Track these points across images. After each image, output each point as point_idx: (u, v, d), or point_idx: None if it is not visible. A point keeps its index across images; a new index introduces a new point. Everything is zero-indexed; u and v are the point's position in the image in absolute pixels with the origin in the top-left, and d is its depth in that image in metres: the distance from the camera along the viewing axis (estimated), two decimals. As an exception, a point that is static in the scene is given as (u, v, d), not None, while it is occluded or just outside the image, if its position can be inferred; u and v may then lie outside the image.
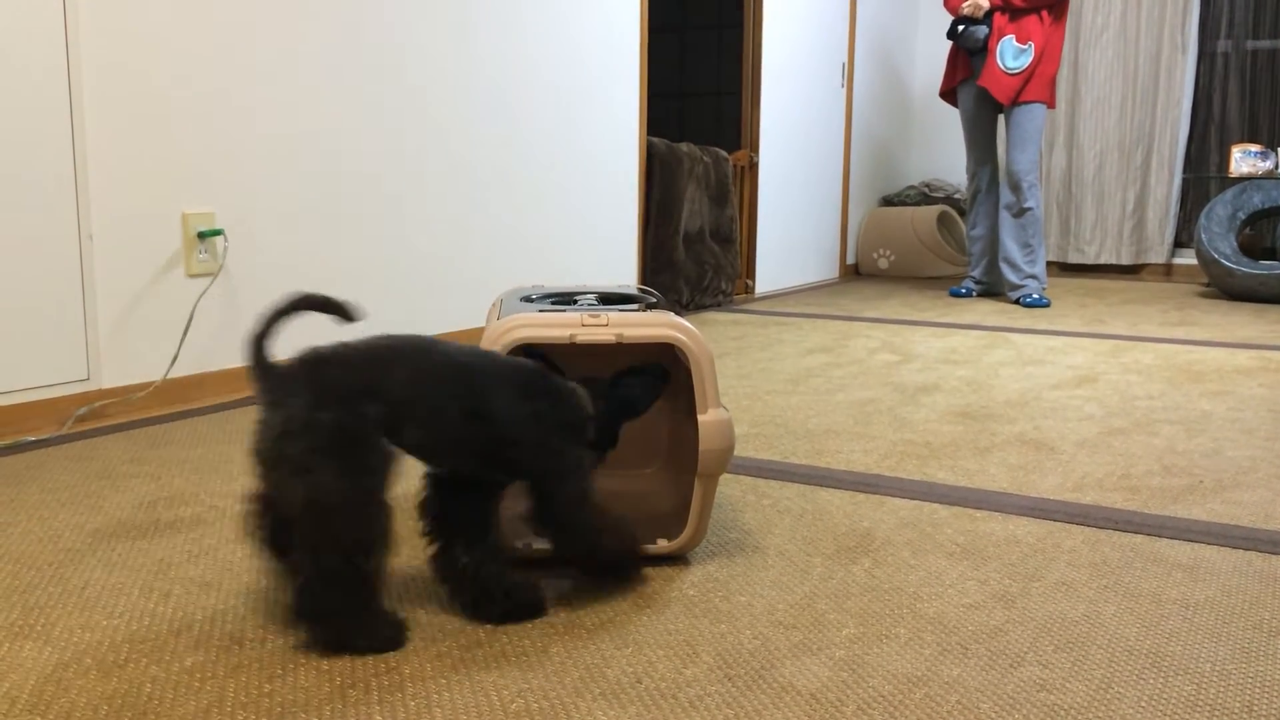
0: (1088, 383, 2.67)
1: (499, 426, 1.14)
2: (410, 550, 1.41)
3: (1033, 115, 4.39)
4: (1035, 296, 4.44)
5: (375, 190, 2.80)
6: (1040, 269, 4.52)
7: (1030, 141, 4.40)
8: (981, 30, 4.42)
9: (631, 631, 1.16)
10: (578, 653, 1.11)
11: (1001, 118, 4.68)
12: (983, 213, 4.73)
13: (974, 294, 4.81)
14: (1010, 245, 4.54)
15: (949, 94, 4.73)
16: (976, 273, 4.81)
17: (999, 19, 4.42)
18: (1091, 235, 5.87)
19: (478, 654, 1.10)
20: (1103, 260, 5.85)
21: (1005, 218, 4.54)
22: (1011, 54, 4.37)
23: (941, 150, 6.40)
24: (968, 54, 4.55)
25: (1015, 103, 4.38)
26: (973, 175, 4.71)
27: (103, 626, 1.17)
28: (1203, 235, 4.85)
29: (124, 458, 1.87)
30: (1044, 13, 4.39)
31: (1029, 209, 4.47)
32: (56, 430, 2.07)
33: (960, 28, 4.51)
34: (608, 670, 1.07)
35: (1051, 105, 4.44)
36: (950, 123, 6.34)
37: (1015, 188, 4.46)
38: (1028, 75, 4.35)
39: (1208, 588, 1.31)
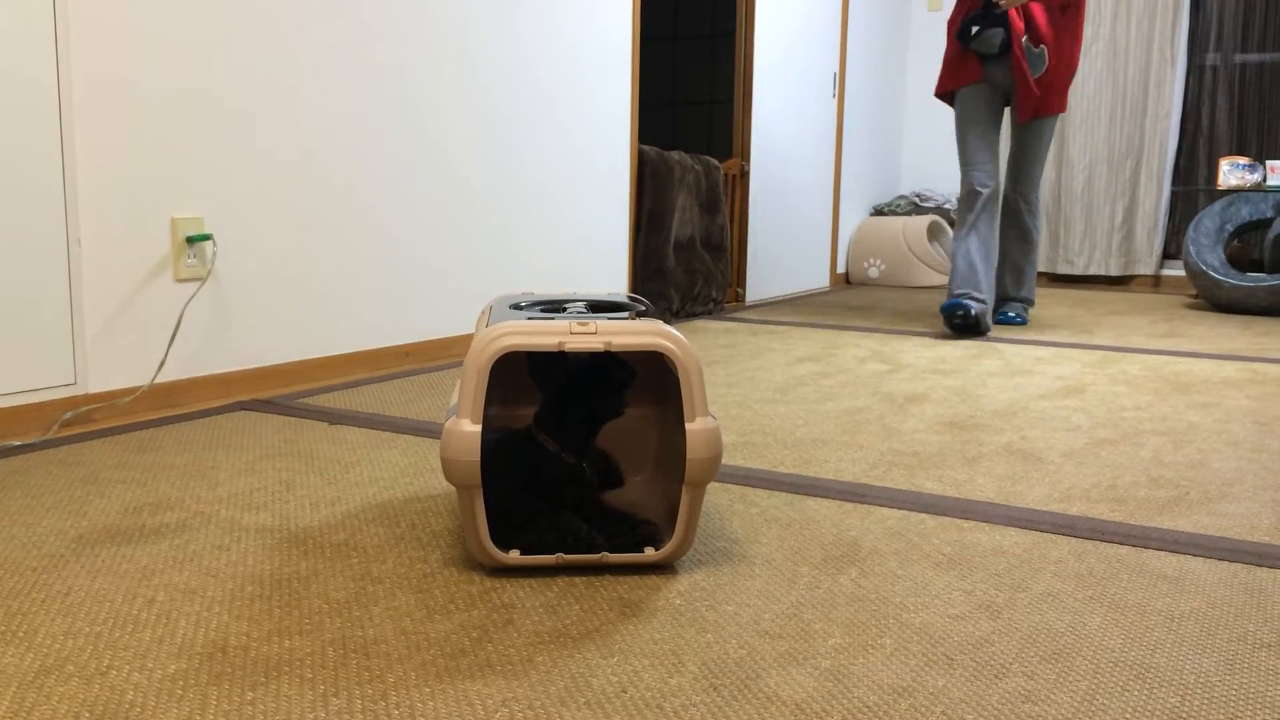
0: (1075, 393, 2.68)
1: None
2: (396, 558, 1.40)
3: (1045, 131, 4.00)
4: (1011, 314, 4.15)
5: (365, 196, 2.79)
6: (1029, 290, 4.22)
7: (1043, 158, 4.05)
8: (998, 34, 3.91)
9: (617, 641, 1.16)
10: (563, 662, 1.11)
11: (1007, 127, 4.33)
12: (978, 230, 3.99)
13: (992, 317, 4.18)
14: (1005, 269, 4.20)
15: (947, 95, 4.15)
16: (979, 293, 4.07)
17: (1015, 20, 3.86)
18: (1080, 247, 5.89)
19: (462, 663, 1.10)
20: (1091, 271, 5.88)
21: (1007, 239, 4.15)
22: (1033, 62, 3.90)
23: (933, 161, 6.42)
24: (979, 59, 3.99)
25: (1036, 116, 3.95)
26: (969, 189, 3.99)
27: (85, 633, 1.16)
28: (1191, 247, 4.87)
29: (110, 463, 1.86)
30: (1054, 7, 3.88)
31: (1030, 230, 4.11)
32: (42, 435, 2.06)
33: (974, 29, 3.97)
34: (593, 680, 1.07)
35: (1063, 110, 4.02)
36: (942, 133, 6.37)
37: (1017, 210, 4.08)
38: (1047, 84, 3.91)
39: (1193, 599, 1.31)
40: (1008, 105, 4.03)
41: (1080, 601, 1.30)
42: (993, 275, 3.95)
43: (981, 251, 3.99)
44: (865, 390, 2.67)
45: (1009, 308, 4.21)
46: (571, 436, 1.41)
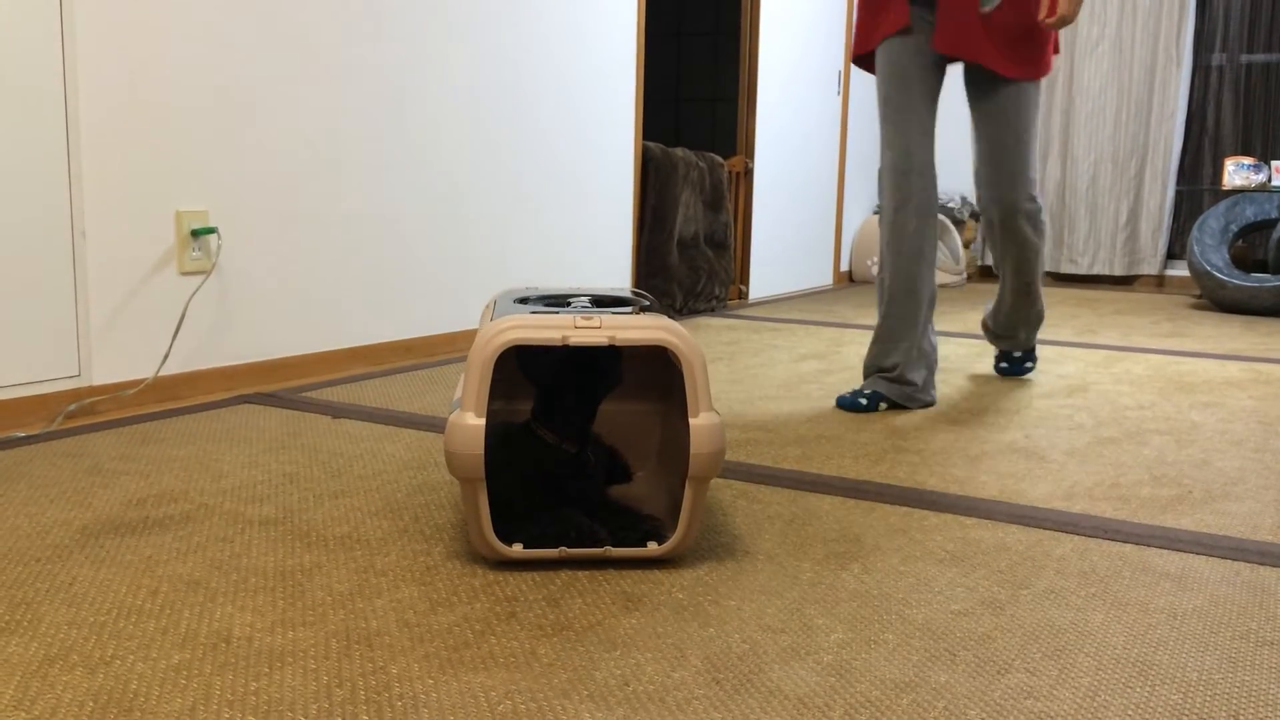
0: (1079, 392, 2.68)
1: None
2: (399, 551, 1.40)
3: (1015, 101, 2.42)
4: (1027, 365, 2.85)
5: (370, 191, 2.80)
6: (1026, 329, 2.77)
7: (1029, 140, 2.44)
8: None
9: (620, 634, 1.16)
10: (566, 655, 1.11)
11: (966, 98, 2.51)
12: (910, 248, 2.41)
13: (878, 406, 2.43)
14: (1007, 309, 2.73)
15: (866, 59, 2.55)
16: (893, 362, 2.45)
17: None
18: (1084, 246, 5.89)
19: (465, 655, 1.10)
20: (1095, 271, 5.87)
21: (1007, 270, 2.61)
22: None
23: (937, 159, 6.42)
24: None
25: (1008, 78, 2.40)
26: (895, 182, 2.40)
27: (89, 623, 1.16)
28: (1195, 247, 4.87)
29: (113, 454, 1.87)
30: None
31: (1033, 250, 2.55)
32: (46, 426, 2.06)
33: None
34: (595, 673, 1.07)
35: (1041, 74, 2.43)
36: (946, 130, 6.36)
37: (1011, 224, 2.49)
38: (1008, 27, 2.36)
39: (1195, 597, 1.31)
40: (957, 62, 2.48)
41: (1083, 599, 1.30)
42: (926, 313, 2.45)
43: (906, 284, 2.42)
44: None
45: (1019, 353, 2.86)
46: (569, 426, 1.42)
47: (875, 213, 6.05)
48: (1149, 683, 1.08)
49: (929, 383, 2.45)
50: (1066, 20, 2.25)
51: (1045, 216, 2.68)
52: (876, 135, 6.05)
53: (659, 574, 1.34)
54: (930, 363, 2.45)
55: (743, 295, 4.76)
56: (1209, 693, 1.06)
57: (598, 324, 1.31)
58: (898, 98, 2.42)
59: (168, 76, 2.28)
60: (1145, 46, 5.66)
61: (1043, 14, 2.29)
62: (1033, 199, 2.47)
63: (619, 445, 1.61)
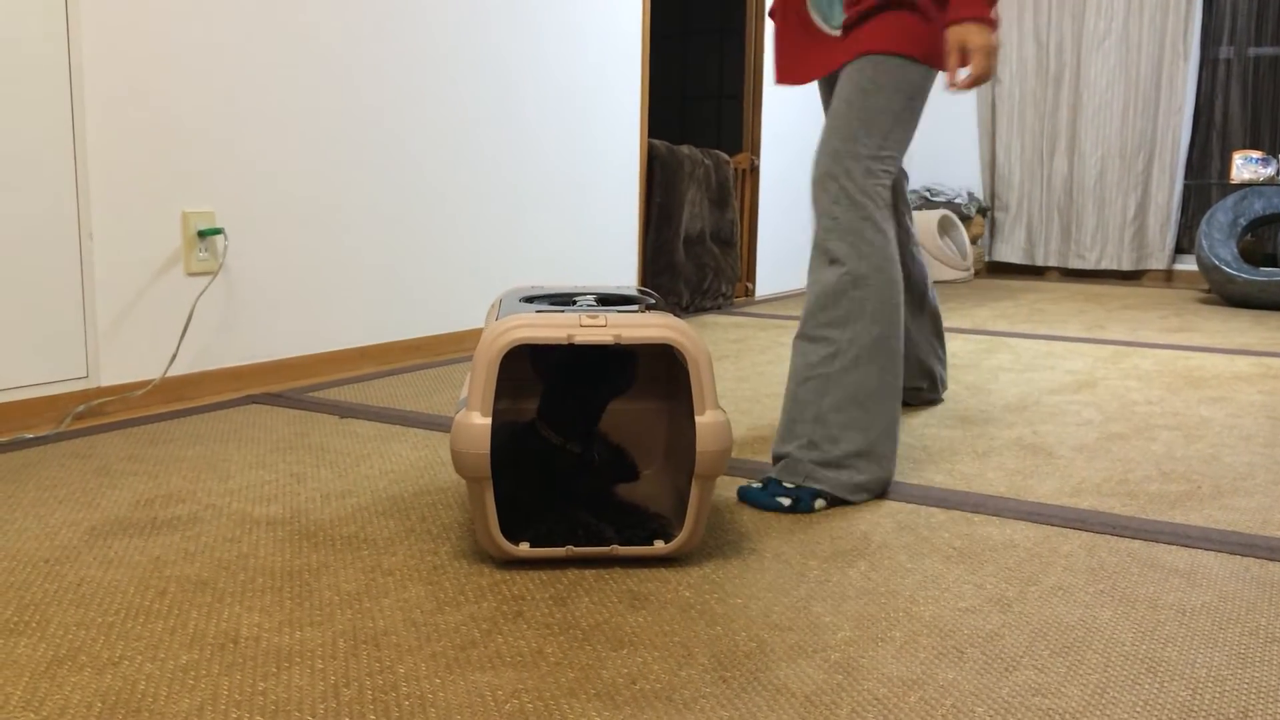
0: (1087, 388, 2.67)
1: None
2: (406, 551, 1.40)
3: (864, 68, 1.77)
4: (759, 492, 1.65)
5: (376, 192, 2.80)
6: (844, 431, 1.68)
7: (851, 123, 1.77)
8: None
9: (626, 632, 1.16)
10: (573, 653, 1.11)
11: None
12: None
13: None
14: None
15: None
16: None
17: None
18: (1092, 241, 5.87)
19: (472, 654, 1.10)
20: (1103, 266, 5.85)
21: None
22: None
23: (943, 155, 6.40)
24: None
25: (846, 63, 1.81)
26: None
27: (97, 623, 1.17)
28: (1203, 241, 4.85)
29: (121, 455, 1.87)
30: None
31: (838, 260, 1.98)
32: (55, 427, 2.07)
33: None
34: (602, 671, 1.07)
35: (914, 52, 1.76)
36: (944, 129, 6.35)
37: (819, 216, 1.94)
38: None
39: (1204, 593, 1.31)
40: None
41: (1091, 595, 1.30)
42: (912, 320, 2.28)
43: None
44: (875, 384, 2.66)
45: (781, 472, 1.68)
46: (573, 426, 1.42)
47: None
48: (1158, 679, 1.08)
49: (935, 385, 2.38)
50: (982, 80, 1.73)
51: (852, 226, 1.92)
52: (883, 131, 6.02)
53: (665, 572, 1.34)
54: (928, 368, 2.34)
55: (749, 292, 4.76)
56: (1218, 689, 1.06)
57: (603, 322, 1.31)
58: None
59: (173, 78, 2.29)
60: (1152, 40, 5.63)
61: (951, 78, 1.75)
62: (838, 178, 1.83)
63: (626, 443, 1.61)
